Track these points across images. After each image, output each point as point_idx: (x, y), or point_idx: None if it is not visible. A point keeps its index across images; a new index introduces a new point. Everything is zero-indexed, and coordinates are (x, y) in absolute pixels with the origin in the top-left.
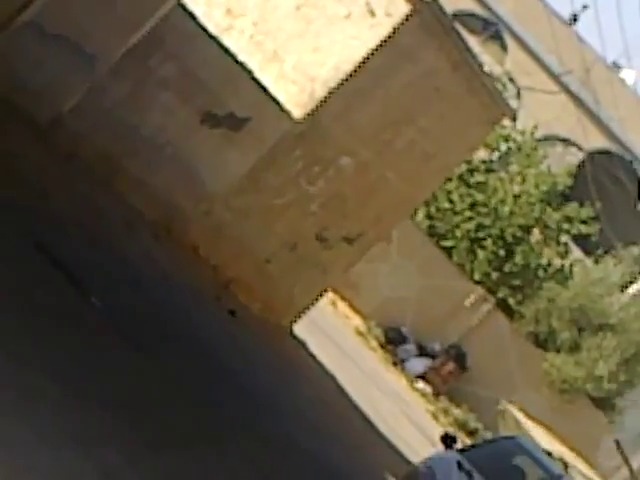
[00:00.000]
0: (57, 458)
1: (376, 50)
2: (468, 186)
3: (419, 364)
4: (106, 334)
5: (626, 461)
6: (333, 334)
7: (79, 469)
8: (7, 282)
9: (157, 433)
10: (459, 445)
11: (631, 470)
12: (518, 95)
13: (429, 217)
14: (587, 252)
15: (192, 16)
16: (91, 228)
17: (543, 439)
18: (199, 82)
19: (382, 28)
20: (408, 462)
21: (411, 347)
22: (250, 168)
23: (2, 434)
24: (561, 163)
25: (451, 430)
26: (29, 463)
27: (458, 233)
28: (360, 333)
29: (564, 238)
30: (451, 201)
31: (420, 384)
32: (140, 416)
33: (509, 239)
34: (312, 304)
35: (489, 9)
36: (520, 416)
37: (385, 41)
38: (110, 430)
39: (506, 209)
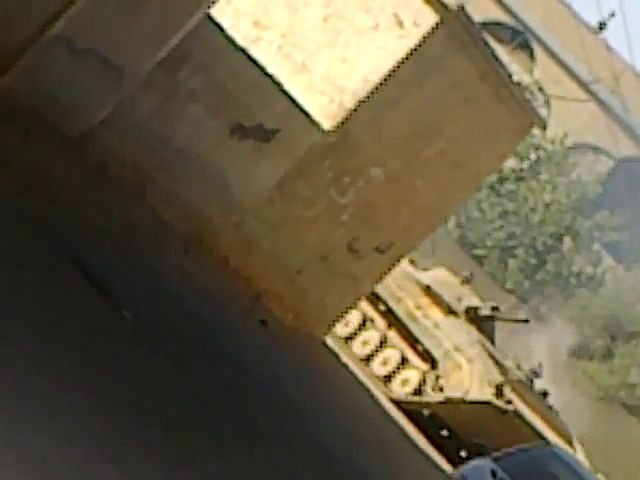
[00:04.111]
0: (87, 468)
1: (404, 60)
2: (498, 195)
3: None
4: (137, 346)
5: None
6: None
7: (110, 478)
8: (38, 294)
9: (188, 443)
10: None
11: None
12: (547, 104)
13: (460, 226)
14: (619, 259)
15: (220, 28)
16: (122, 241)
17: None
18: (228, 94)
19: (410, 38)
20: (442, 471)
21: None
22: (280, 179)
23: (33, 444)
24: (591, 171)
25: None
26: (59, 473)
27: (489, 242)
28: None
29: (596, 246)
30: (482, 210)
31: None
32: (171, 427)
33: (540, 248)
34: (344, 315)
35: (517, 18)
36: None
37: (413, 51)
38: (141, 441)
39: (537, 218)
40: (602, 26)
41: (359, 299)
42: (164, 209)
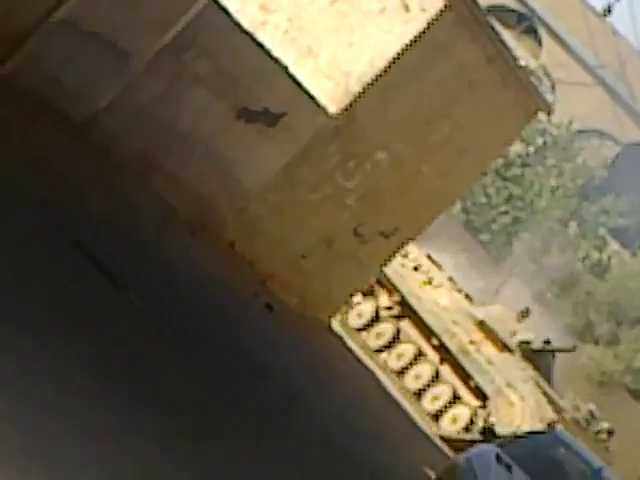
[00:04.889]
0: (94, 450)
1: (411, 45)
2: (504, 180)
3: None
4: (142, 329)
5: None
6: None
7: (116, 461)
8: (44, 279)
9: (194, 428)
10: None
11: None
12: (553, 88)
13: (465, 211)
14: (624, 245)
15: (226, 12)
16: (127, 225)
17: None
18: (234, 78)
19: (416, 23)
20: (447, 456)
21: None
22: (286, 163)
23: (40, 428)
24: (597, 156)
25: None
26: (66, 455)
27: (495, 227)
28: None
29: (601, 231)
30: (487, 195)
31: None
32: (177, 411)
33: (546, 232)
34: (349, 299)
35: (523, 3)
36: None
37: (420, 36)
38: (148, 425)
39: (543, 203)
40: (608, 11)
41: (364, 283)
42: (169, 193)
